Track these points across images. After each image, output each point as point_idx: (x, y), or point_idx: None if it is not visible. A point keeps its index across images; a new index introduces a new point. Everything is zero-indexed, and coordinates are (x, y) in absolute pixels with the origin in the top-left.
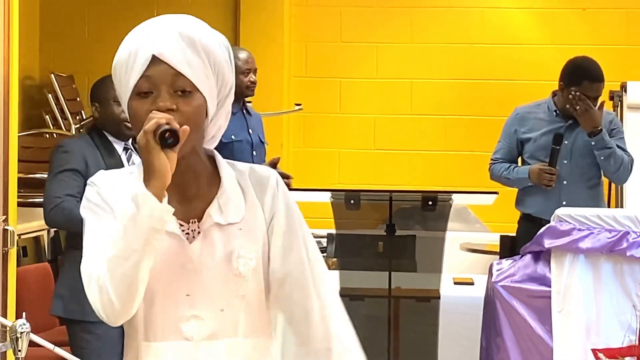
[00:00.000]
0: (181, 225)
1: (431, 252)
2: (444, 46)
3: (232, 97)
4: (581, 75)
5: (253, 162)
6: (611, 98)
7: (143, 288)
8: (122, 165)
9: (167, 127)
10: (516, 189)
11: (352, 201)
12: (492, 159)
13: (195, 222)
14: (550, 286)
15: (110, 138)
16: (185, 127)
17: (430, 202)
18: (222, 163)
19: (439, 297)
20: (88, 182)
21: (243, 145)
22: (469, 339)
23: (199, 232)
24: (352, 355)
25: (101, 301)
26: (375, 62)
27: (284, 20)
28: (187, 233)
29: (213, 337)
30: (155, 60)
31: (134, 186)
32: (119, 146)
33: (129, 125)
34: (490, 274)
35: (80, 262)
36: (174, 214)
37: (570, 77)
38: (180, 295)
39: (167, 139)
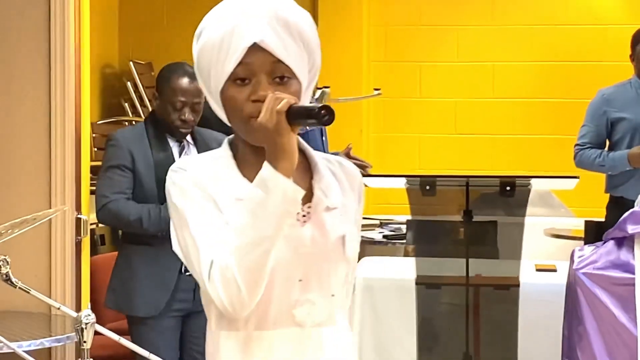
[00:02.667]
0: None
1: (510, 239)
2: (527, 27)
3: (317, 79)
4: None
5: (324, 149)
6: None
7: (267, 277)
8: (172, 161)
9: (309, 105)
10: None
11: (427, 187)
12: (578, 145)
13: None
14: (634, 273)
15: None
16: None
17: (508, 188)
18: (311, 149)
19: (518, 285)
20: (173, 168)
21: (315, 132)
22: (550, 327)
23: (303, 216)
24: None
25: (228, 292)
26: (456, 45)
27: (362, 3)
28: (298, 219)
29: (323, 324)
30: (254, 47)
31: (231, 172)
32: (172, 140)
33: (184, 131)
34: (572, 260)
35: (132, 255)
36: None
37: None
38: (294, 280)
39: (324, 115)
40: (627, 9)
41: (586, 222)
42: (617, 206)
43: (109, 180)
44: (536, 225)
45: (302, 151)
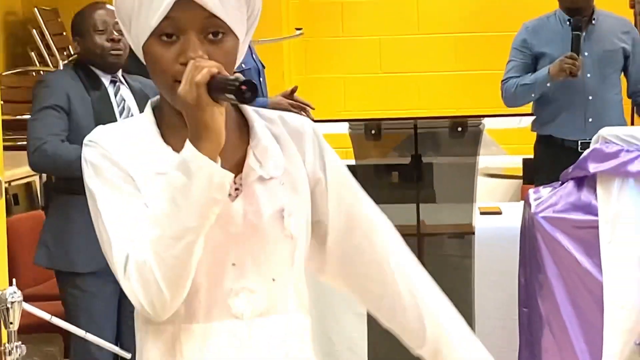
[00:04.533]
0: None
1: (463, 182)
2: None
3: (255, 25)
4: None
5: (262, 91)
6: (632, 6)
7: (192, 274)
8: (108, 99)
9: (231, 77)
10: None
11: (372, 131)
12: (503, 80)
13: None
14: (597, 215)
15: (97, 71)
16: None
17: (459, 129)
18: (248, 109)
19: (473, 232)
20: (86, 141)
21: (252, 73)
22: (505, 275)
23: (236, 189)
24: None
25: (147, 292)
26: None
27: None
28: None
29: (266, 313)
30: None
31: (154, 142)
32: (105, 79)
33: (115, 53)
34: (528, 203)
35: (67, 207)
36: None
37: None
38: (225, 265)
39: (245, 92)
40: None
41: (525, 159)
42: (547, 146)
43: (43, 121)
44: (455, 165)
45: (239, 111)
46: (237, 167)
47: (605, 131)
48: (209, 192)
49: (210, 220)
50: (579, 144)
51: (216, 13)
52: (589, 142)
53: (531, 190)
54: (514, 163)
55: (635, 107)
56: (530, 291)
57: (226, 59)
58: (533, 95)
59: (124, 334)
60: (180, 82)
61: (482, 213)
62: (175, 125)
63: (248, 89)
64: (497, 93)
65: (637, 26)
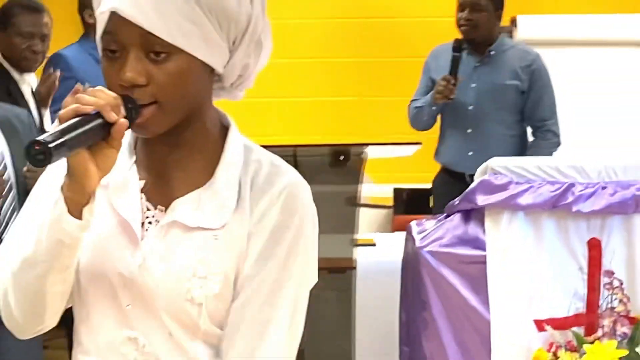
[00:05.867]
0: (148, 209)
1: (342, 212)
2: None
3: (258, 28)
4: None
5: None
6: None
7: (56, 304)
8: (23, 99)
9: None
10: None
11: None
12: (410, 101)
13: (163, 210)
14: (484, 249)
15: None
16: (118, 127)
17: (341, 157)
18: (233, 142)
19: (354, 267)
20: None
21: None
22: (383, 310)
23: (149, 223)
24: None
25: (4, 311)
26: None
27: None
28: (150, 222)
29: None
30: (116, 14)
31: (124, 155)
32: (19, 76)
33: (33, 64)
34: (411, 236)
35: None
36: (144, 192)
37: None
38: (120, 303)
39: (35, 155)
40: None
41: (396, 189)
42: (443, 176)
43: None
44: (335, 194)
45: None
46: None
47: (494, 162)
48: (59, 234)
49: (62, 263)
50: (467, 175)
51: (150, 29)
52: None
53: (414, 223)
54: (383, 192)
55: (528, 147)
56: (413, 329)
57: (174, 82)
58: (425, 118)
59: None
60: None
61: (355, 245)
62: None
63: (39, 152)
64: (381, 120)
65: None
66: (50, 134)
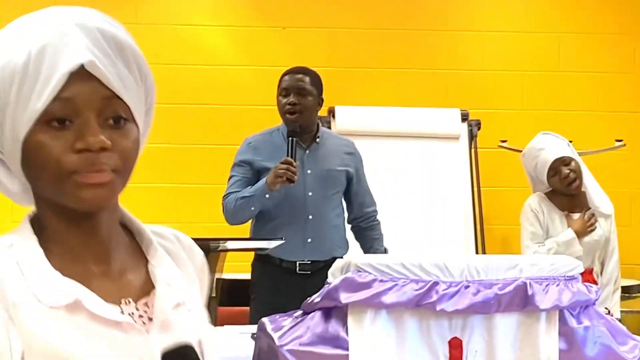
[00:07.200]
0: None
1: None
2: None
3: (152, 120)
4: (283, 75)
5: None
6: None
7: None
8: None
9: None
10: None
11: None
12: (224, 195)
13: (130, 302)
14: (347, 349)
15: None
16: None
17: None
18: (137, 220)
19: None
20: None
21: None
22: None
23: (140, 316)
24: None
25: None
26: None
27: None
28: (135, 320)
29: None
30: (77, 74)
31: (38, 266)
32: None
33: None
34: (266, 334)
35: None
36: (101, 296)
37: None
38: None
39: None
40: (237, 49)
41: (223, 280)
42: (264, 265)
43: None
44: None
45: (125, 225)
46: (139, 291)
47: (359, 259)
48: None
49: None
50: (297, 264)
51: (119, 92)
52: (309, 264)
53: (266, 320)
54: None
55: (354, 234)
56: None
57: (132, 151)
58: (253, 208)
59: None
60: (78, 173)
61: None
62: (63, 240)
63: None
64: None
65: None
66: None
